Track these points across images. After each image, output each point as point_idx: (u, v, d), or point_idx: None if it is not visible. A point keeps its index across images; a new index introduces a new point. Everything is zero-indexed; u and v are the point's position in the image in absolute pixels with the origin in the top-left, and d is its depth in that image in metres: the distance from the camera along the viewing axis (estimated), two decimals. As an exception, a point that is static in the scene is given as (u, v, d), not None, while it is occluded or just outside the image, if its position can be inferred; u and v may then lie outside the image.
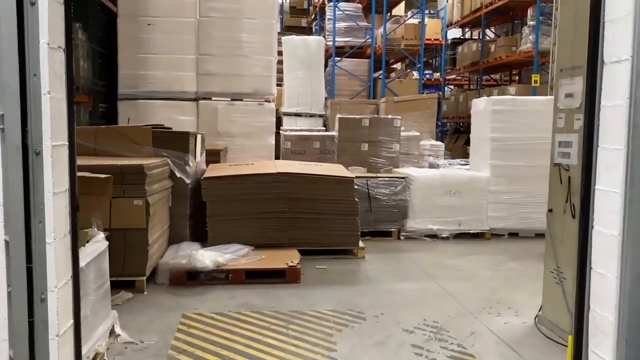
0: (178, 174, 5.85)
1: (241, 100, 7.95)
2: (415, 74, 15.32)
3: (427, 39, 14.20)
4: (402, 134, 8.53)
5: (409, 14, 15.91)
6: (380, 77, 13.94)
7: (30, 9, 2.16)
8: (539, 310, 4.42)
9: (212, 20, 7.77)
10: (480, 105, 8.09)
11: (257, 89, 7.97)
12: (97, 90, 7.52)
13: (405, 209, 7.66)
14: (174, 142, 5.96)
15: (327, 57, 13.41)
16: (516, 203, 7.69)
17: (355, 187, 6.64)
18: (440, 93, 18.07)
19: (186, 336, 4.03)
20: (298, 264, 5.55)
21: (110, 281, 3.89)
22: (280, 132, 9.57)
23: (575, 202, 3.90)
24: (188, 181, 5.98)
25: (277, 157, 8.45)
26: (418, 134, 9.86)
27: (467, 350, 3.90)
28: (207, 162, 6.97)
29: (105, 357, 3.58)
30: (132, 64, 7.66)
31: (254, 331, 4.14)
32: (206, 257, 5.33)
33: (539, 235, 7.52)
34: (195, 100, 7.87)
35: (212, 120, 7.82)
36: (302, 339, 4.03)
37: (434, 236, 7.60)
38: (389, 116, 8.63)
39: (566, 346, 3.83)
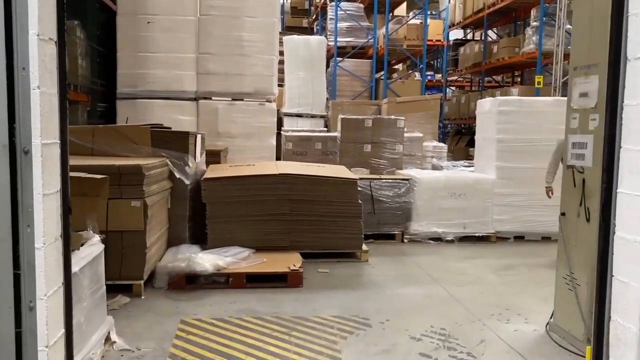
0: (177, 175, 5.73)
1: (242, 100, 7.83)
2: (418, 75, 15.21)
3: (429, 40, 14.09)
4: (405, 135, 8.41)
5: (411, 14, 15.80)
6: (382, 77, 13.83)
7: (19, -3, 2.03)
8: (550, 317, 4.29)
9: (213, 19, 7.65)
10: (486, 106, 7.97)
11: (258, 89, 7.85)
12: (95, 89, 7.42)
13: (409, 212, 7.54)
14: (174, 142, 5.85)
15: (329, 57, 13.33)
16: (522, 206, 7.56)
17: (359, 188, 6.52)
18: (442, 94, 17.96)
19: (184, 343, 3.91)
20: (300, 267, 5.44)
21: (107, 285, 3.79)
22: (282, 132, 9.45)
23: (590, 205, 3.77)
24: (187, 182, 5.86)
25: (278, 158, 8.35)
26: (421, 135, 9.77)
27: (478, 359, 3.76)
28: (207, 163, 6.87)
29: (100, 366, 3.45)
30: (132, 62, 7.56)
31: (255, 338, 4.03)
32: (206, 261, 5.23)
33: (545, 239, 7.44)
34: (195, 99, 7.76)
35: (212, 121, 7.71)
36: (305, 346, 3.90)
37: (438, 239, 7.48)
38: (392, 117, 8.50)
39: (580, 355, 3.72)
